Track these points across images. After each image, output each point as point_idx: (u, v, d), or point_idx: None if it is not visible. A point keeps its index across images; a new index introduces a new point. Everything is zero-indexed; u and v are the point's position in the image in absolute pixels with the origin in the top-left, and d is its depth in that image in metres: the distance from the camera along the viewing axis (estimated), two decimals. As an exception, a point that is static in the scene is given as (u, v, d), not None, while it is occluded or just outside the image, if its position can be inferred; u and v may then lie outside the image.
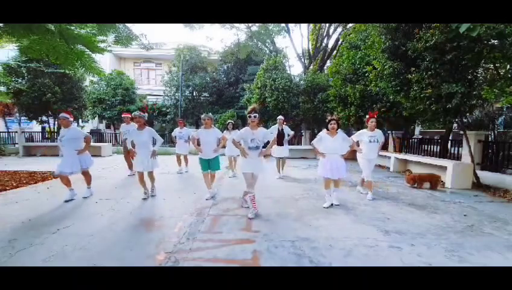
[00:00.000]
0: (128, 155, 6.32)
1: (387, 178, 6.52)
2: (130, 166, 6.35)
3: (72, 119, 4.32)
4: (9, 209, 3.66)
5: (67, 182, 4.16)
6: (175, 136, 6.90)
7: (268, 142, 3.79)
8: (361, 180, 4.85)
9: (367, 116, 4.56)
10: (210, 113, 4.48)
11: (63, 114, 4.18)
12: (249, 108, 3.56)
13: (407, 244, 2.69)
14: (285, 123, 6.24)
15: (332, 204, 4.02)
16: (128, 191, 4.82)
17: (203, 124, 4.33)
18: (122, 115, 6.59)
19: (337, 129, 3.99)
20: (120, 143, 13.04)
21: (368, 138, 4.45)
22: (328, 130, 4.02)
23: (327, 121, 4.08)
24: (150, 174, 4.42)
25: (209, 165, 4.32)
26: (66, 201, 4.05)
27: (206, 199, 4.27)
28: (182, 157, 6.86)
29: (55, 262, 2.26)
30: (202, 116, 4.33)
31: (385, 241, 2.75)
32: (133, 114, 4.45)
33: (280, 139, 5.98)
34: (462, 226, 3.26)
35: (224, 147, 4.33)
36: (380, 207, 3.99)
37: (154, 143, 4.42)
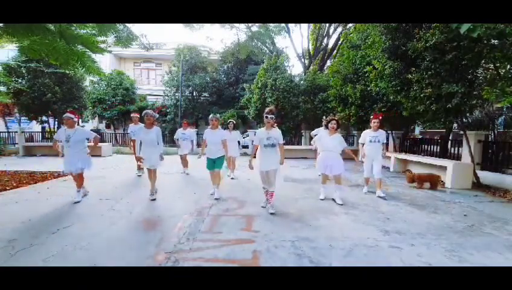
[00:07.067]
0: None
1: (387, 178, 6.51)
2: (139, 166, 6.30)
3: (76, 119, 4.25)
4: (9, 209, 3.66)
5: (79, 181, 4.14)
6: (177, 139, 6.57)
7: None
8: (365, 180, 5.00)
9: (371, 117, 4.79)
10: (218, 114, 4.63)
11: (67, 114, 4.09)
12: (267, 109, 3.62)
13: (407, 244, 2.69)
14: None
15: (333, 199, 4.25)
16: (128, 191, 4.82)
17: (210, 125, 4.46)
18: (131, 115, 6.55)
19: (336, 129, 4.24)
20: (120, 143, 13.12)
21: (369, 137, 4.67)
22: (327, 128, 4.28)
23: (328, 120, 4.36)
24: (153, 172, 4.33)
25: (214, 164, 4.41)
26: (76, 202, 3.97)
27: (210, 194, 4.45)
28: (188, 158, 6.62)
29: (55, 262, 2.25)
30: (210, 116, 4.48)
31: (385, 241, 2.75)
32: (144, 112, 4.34)
33: None
34: (462, 226, 3.26)
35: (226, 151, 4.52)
36: (380, 207, 3.99)
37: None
